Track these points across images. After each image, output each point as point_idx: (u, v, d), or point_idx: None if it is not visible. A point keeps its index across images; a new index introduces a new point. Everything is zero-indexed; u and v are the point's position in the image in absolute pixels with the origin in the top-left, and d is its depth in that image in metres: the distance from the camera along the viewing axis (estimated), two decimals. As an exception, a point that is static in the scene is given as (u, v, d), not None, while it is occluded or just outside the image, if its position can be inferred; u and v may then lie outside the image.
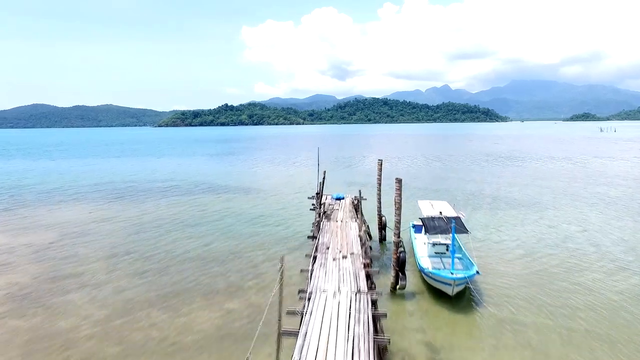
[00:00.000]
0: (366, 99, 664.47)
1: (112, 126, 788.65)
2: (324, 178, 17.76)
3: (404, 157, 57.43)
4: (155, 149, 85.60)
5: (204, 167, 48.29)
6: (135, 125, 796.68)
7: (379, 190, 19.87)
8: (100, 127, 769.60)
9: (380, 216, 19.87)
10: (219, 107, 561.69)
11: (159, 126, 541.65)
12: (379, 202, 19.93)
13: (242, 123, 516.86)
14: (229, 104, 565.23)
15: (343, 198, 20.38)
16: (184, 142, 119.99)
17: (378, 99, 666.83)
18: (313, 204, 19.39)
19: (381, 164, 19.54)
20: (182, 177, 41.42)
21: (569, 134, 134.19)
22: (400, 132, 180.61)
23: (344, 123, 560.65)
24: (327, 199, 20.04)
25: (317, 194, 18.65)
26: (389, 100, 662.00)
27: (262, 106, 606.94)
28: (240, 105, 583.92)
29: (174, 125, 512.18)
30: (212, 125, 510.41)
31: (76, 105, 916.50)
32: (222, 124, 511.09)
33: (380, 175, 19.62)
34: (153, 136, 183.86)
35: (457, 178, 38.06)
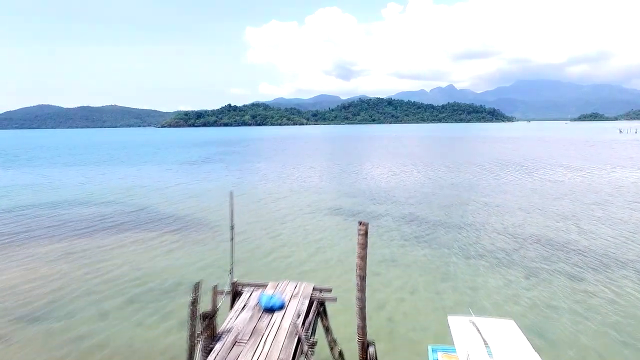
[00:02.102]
0: (370, 99, 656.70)
1: (116, 127, 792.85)
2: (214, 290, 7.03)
3: (408, 167, 46.22)
4: (135, 154, 75.11)
5: (159, 182, 36.79)
6: (140, 126, 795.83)
7: (361, 288, 8.90)
8: (105, 127, 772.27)
9: (364, 345, 8.94)
10: (222, 107, 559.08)
11: (162, 127, 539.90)
12: (361, 313, 8.97)
13: (245, 123, 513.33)
14: (232, 104, 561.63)
15: (281, 307, 9.06)
16: (175, 144, 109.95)
17: (382, 99, 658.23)
18: (198, 332, 7.91)
19: (366, 231, 8.62)
20: (119, 199, 30.25)
21: (589, 136, 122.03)
22: (406, 134, 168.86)
23: (348, 123, 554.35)
24: (243, 309, 8.88)
25: (201, 317, 7.52)
26: (394, 100, 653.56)
27: (265, 106, 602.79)
28: (244, 105, 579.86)
29: (177, 126, 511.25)
30: (215, 126, 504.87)
31: (81, 106, 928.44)
32: (226, 125, 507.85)
33: (363, 250, 8.72)
34: (149, 138, 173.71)
35: (487, 206, 25.24)
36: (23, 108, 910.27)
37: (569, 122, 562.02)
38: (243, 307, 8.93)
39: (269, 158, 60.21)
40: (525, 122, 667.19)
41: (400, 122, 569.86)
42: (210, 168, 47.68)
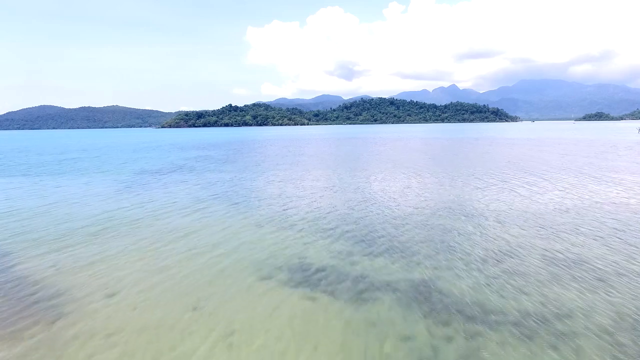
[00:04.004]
0: (372, 99, 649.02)
1: (117, 127, 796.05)
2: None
3: (421, 180, 36.14)
4: (104, 160, 65.59)
5: (86, 206, 26.57)
6: (141, 126, 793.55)
7: None
8: (106, 128, 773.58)
9: None
10: (222, 107, 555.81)
11: (162, 127, 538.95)
12: None
13: (246, 124, 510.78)
14: (233, 105, 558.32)
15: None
16: (159, 147, 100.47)
17: (384, 99, 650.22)
18: None
19: None
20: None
21: (611, 137, 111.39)
22: (410, 135, 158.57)
23: (350, 123, 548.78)
24: None
25: None
26: (396, 100, 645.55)
27: (266, 106, 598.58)
28: (245, 105, 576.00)
29: (177, 126, 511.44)
30: (216, 126, 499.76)
31: (82, 107, 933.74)
32: (226, 125, 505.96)
33: None
34: (141, 139, 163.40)
35: (559, 261, 15.32)
36: (24, 109, 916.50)
37: (576, 121, 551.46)
38: None
39: (253, 166, 50.43)
40: (530, 122, 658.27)
41: (403, 122, 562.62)
42: (172, 180, 37.97)
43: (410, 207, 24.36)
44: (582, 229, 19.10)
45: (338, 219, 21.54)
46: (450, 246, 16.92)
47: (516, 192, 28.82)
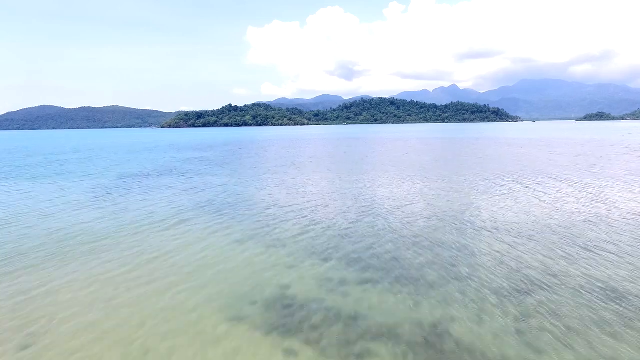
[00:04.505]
0: (373, 99, 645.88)
1: (117, 127, 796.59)
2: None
3: (432, 189, 32.68)
4: (94, 162, 62.86)
5: (53, 223, 24.54)
6: (140, 127, 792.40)
7: None
8: (106, 128, 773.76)
9: None
10: (222, 107, 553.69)
11: (162, 127, 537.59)
12: None
13: (246, 124, 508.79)
14: (233, 105, 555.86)
15: None
16: (155, 148, 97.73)
17: (385, 98, 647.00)
18: None
19: None
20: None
21: (618, 136, 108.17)
22: (411, 135, 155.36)
23: (350, 123, 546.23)
24: None
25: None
26: (396, 100, 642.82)
27: (266, 106, 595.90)
28: (245, 105, 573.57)
29: (177, 126, 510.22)
30: (216, 126, 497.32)
31: (82, 107, 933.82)
32: (226, 125, 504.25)
33: None
34: (137, 140, 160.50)
35: None
36: (24, 109, 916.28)
37: (577, 121, 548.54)
38: None
39: (248, 169, 47.45)
40: (530, 122, 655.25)
41: (403, 122, 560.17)
42: (157, 185, 35.01)
43: (421, 219, 21.34)
44: (625, 248, 16.12)
45: (337, 236, 18.51)
46: (471, 274, 13.92)
47: (537, 199, 25.81)
